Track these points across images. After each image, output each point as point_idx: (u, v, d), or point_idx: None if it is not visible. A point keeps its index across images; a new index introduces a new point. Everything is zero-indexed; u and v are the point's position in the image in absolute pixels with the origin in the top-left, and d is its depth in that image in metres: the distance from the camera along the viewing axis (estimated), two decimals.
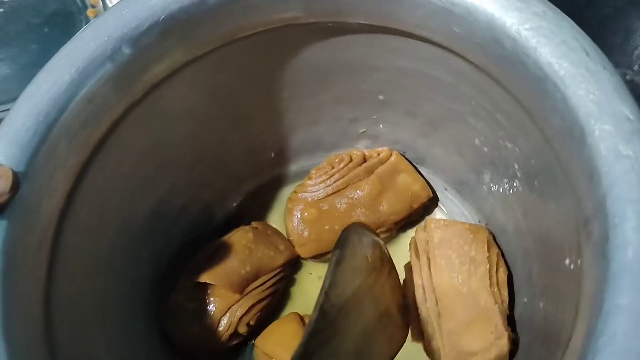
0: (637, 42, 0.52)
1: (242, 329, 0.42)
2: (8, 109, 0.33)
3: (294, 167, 0.50)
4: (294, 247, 0.45)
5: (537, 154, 0.33)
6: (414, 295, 0.41)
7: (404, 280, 0.43)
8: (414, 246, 0.44)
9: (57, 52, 0.33)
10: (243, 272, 0.42)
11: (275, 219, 0.49)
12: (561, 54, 0.28)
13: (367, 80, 0.41)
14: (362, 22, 0.36)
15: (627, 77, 0.50)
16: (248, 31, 0.36)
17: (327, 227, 0.45)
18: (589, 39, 0.29)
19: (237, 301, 0.42)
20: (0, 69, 0.55)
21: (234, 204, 0.49)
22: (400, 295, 0.39)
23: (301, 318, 0.43)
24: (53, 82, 0.32)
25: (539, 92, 0.29)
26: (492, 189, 0.41)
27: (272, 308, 0.45)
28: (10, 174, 0.29)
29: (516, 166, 0.37)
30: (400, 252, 0.46)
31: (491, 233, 0.43)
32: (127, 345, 0.39)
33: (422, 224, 0.45)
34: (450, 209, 0.48)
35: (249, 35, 0.37)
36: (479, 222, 0.45)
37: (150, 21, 0.33)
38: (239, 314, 0.41)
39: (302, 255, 0.46)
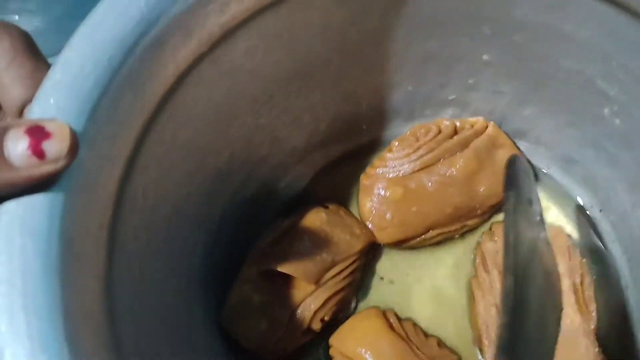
0: None
1: (316, 325, 0.36)
2: None
3: (365, 139, 0.43)
4: (370, 231, 0.39)
5: None
6: (485, 316, 0.36)
7: (470, 297, 0.38)
8: (480, 257, 0.38)
9: None
10: (319, 258, 0.36)
11: (346, 201, 0.42)
12: None
13: (472, 35, 0.35)
14: None
15: None
16: None
17: (414, 209, 0.38)
18: None
19: (312, 292, 0.35)
20: (31, 22, 0.47)
21: (297, 182, 0.42)
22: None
23: (384, 314, 0.37)
24: (118, 16, 0.25)
25: None
26: (618, 168, 0.35)
27: (348, 302, 0.38)
28: (67, 132, 0.22)
29: None
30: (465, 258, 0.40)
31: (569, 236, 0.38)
32: (189, 344, 0.33)
33: (488, 227, 0.40)
34: (552, 193, 0.41)
35: None
36: (591, 207, 0.39)
37: None
38: (313, 307, 0.35)
39: (382, 240, 0.39)
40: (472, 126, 0.39)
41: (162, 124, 0.28)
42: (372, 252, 0.40)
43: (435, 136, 0.39)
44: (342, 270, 0.36)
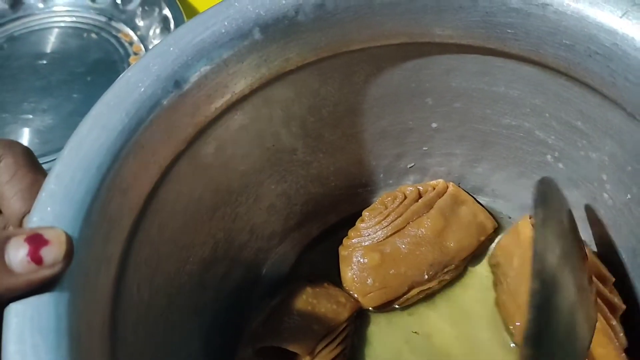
0: None
1: None
2: (53, 159, 0.29)
3: (334, 217, 0.46)
4: (355, 298, 0.41)
5: (636, 157, 0.31)
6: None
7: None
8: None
9: (103, 96, 0.29)
10: (310, 329, 0.37)
11: (327, 275, 0.43)
12: None
13: (418, 108, 0.39)
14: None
15: None
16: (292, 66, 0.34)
17: (392, 272, 0.40)
18: None
19: None
20: (43, 120, 0.54)
21: (281, 263, 0.44)
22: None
23: None
24: (102, 128, 0.28)
25: None
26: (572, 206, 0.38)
27: None
28: (63, 238, 0.24)
29: (604, 177, 0.34)
30: (470, 287, 0.42)
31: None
32: None
33: (490, 253, 0.43)
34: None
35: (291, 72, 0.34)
36: None
37: (199, 56, 0.30)
38: None
39: (367, 305, 0.41)
40: (434, 188, 0.43)
41: (149, 222, 0.31)
42: (359, 319, 0.42)
43: (401, 202, 0.42)
44: (333, 339, 0.38)
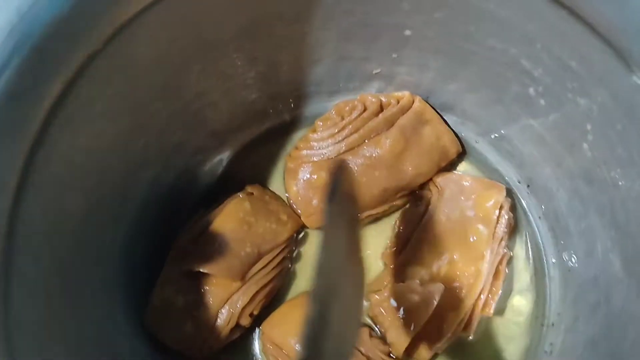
0: None
1: (245, 321, 0.35)
2: None
3: (287, 116, 0.40)
4: (298, 215, 0.38)
5: (630, 121, 0.26)
6: None
7: None
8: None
9: None
10: (243, 253, 0.34)
11: (270, 181, 0.40)
12: None
13: (391, 11, 0.32)
14: None
15: None
16: None
17: None
18: None
19: (238, 289, 0.34)
20: None
21: (218, 166, 0.40)
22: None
23: None
24: None
25: None
26: (545, 147, 0.34)
27: (277, 292, 0.37)
28: None
29: (588, 127, 0.30)
30: None
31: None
32: (112, 349, 0.32)
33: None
34: (482, 165, 0.40)
35: None
36: (518, 182, 0.38)
37: None
38: (240, 304, 0.34)
39: (310, 226, 0.38)
40: (398, 102, 0.37)
41: (56, 133, 0.26)
42: (300, 235, 0.39)
43: (360, 114, 0.37)
44: (269, 262, 0.35)
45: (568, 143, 0.32)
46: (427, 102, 0.38)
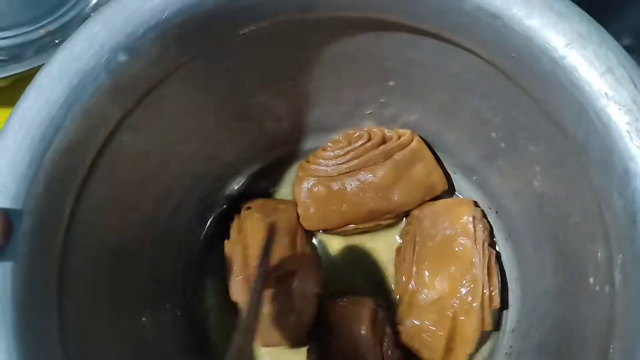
0: None
1: (316, 289, 0.43)
2: None
3: (292, 148, 0.47)
4: (289, 201, 0.46)
5: (566, 171, 0.32)
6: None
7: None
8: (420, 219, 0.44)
9: (47, 64, 0.29)
10: (284, 245, 0.42)
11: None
12: (606, 84, 0.26)
13: (377, 67, 0.39)
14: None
15: None
16: (245, 29, 0.33)
17: (333, 208, 0.43)
18: (636, 65, 0.27)
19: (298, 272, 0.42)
20: None
21: (234, 190, 0.47)
22: None
23: None
24: (46, 100, 0.29)
25: (577, 117, 0.28)
26: (507, 181, 0.40)
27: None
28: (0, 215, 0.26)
29: (537, 168, 0.35)
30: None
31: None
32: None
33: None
34: (460, 192, 0.47)
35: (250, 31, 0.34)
36: (489, 208, 0.44)
37: (146, 25, 0.30)
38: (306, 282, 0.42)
39: (306, 227, 0.45)
40: (399, 137, 0.43)
41: (98, 176, 0.32)
42: None
43: (364, 143, 0.43)
44: (302, 241, 0.44)
45: (523, 180, 0.38)
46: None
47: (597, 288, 0.30)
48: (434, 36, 0.32)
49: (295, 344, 0.43)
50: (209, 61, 0.35)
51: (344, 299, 0.44)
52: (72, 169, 0.31)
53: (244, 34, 0.34)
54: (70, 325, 0.31)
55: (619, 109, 0.26)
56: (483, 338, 0.42)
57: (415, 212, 0.44)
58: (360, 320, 0.41)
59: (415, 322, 0.41)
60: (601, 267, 0.29)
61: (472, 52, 0.32)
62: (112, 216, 0.36)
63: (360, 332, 0.41)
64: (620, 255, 0.27)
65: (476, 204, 0.44)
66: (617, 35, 0.29)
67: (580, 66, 0.27)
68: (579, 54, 0.27)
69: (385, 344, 0.41)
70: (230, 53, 0.35)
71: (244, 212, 0.44)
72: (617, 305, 0.27)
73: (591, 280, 0.31)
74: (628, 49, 0.51)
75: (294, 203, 0.45)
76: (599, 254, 0.29)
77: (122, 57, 0.30)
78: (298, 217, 0.44)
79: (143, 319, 0.39)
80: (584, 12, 0.28)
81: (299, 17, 0.33)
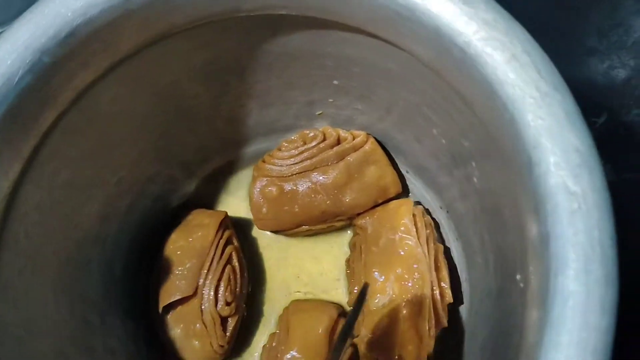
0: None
1: (225, 312, 0.41)
2: None
3: (247, 149, 0.48)
4: (220, 212, 0.45)
5: (493, 164, 0.32)
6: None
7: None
8: (371, 222, 0.44)
9: None
10: (185, 270, 0.41)
11: (231, 202, 0.48)
12: (511, 70, 0.26)
13: (320, 66, 0.39)
14: (308, 15, 0.33)
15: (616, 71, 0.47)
16: (178, 29, 0.33)
17: (285, 208, 0.43)
18: (542, 53, 0.26)
19: (202, 295, 0.41)
20: None
21: (187, 192, 0.48)
22: None
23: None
24: None
25: (489, 106, 0.27)
26: (452, 179, 0.39)
27: (241, 272, 0.44)
28: None
29: (473, 164, 0.35)
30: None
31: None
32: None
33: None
34: (412, 192, 0.46)
35: (182, 31, 0.34)
36: (440, 207, 0.44)
37: (68, 27, 0.31)
38: (209, 305, 0.41)
39: (259, 227, 0.45)
40: (354, 139, 0.43)
41: (35, 176, 0.33)
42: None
43: (318, 143, 0.43)
44: (212, 259, 0.42)
45: (465, 177, 0.37)
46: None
47: (521, 285, 0.29)
48: (366, 33, 0.32)
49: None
50: (146, 61, 0.35)
51: (310, 301, 0.44)
52: (1, 171, 0.31)
53: (177, 33, 0.34)
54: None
55: (523, 96, 0.26)
56: (446, 335, 0.42)
57: (359, 222, 0.44)
58: (320, 325, 0.41)
59: (371, 330, 0.41)
60: (523, 261, 0.29)
61: (400, 48, 0.32)
62: (56, 217, 0.36)
63: (317, 338, 0.40)
64: (532, 244, 0.26)
65: (418, 203, 0.44)
66: (582, 35, 0.28)
67: (486, 54, 0.27)
68: (485, 41, 0.27)
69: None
70: (166, 52, 0.35)
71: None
72: (527, 298, 0.27)
73: (518, 276, 0.30)
74: (592, 50, 0.51)
75: (220, 214, 0.44)
76: (521, 247, 0.29)
77: (46, 59, 0.31)
78: (219, 229, 0.43)
79: (91, 321, 0.40)
80: (490, 0, 0.27)
81: (228, 15, 0.33)
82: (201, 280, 0.41)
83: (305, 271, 0.45)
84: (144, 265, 0.45)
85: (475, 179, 0.36)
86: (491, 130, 0.28)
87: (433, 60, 0.30)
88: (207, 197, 0.48)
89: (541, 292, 0.25)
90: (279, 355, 0.40)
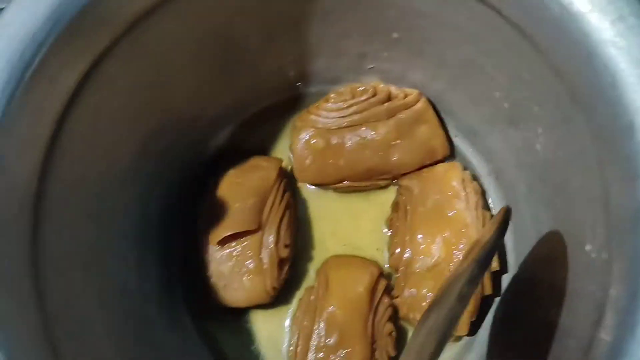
0: None
1: (284, 253, 0.41)
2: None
3: (288, 98, 0.46)
4: (277, 159, 0.44)
5: (569, 130, 0.30)
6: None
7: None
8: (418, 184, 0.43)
9: None
10: (248, 205, 0.40)
11: (269, 150, 0.46)
12: (616, 32, 0.25)
13: (380, 17, 0.37)
14: None
15: None
16: None
17: (330, 162, 0.42)
18: None
19: (264, 232, 0.40)
20: None
21: (225, 138, 0.46)
22: None
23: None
24: (28, 15, 0.28)
25: (586, 68, 0.26)
26: (508, 145, 0.38)
27: (296, 218, 0.43)
28: None
29: (539, 130, 0.34)
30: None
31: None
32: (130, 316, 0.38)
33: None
34: (459, 156, 0.44)
35: None
36: (489, 174, 0.43)
37: None
38: (272, 241, 0.40)
39: (299, 180, 0.44)
40: (405, 97, 0.42)
41: (83, 104, 0.31)
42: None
43: (368, 98, 0.42)
44: (274, 199, 0.41)
45: (526, 143, 0.36)
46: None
47: (593, 255, 0.29)
48: None
49: (262, 302, 0.42)
50: None
51: (350, 257, 0.43)
52: (54, 91, 0.30)
53: None
54: (45, 265, 0.30)
55: (629, 59, 0.24)
56: (486, 303, 0.41)
57: (405, 182, 0.43)
58: (361, 283, 0.40)
59: (413, 291, 0.40)
60: (598, 232, 0.28)
61: (480, 1, 0.30)
62: (96, 151, 0.34)
63: (357, 295, 0.40)
64: (619, 214, 0.25)
65: (465, 168, 0.43)
66: None
67: (590, 12, 0.25)
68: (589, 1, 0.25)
69: (379, 314, 0.40)
70: None
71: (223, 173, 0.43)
72: (614, 272, 0.26)
73: (588, 247, 0.29)
74: None
75: (278, 161, 0.44)
76: (597, 219, 0.28)
77: None
78: (279, 174, 0.42)
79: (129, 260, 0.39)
80: None
81: None
82: (264, 217, 0.40)
83: (342, 227, 0.44)
84: (180, 208, 0.43)
85: (538, 146, 0.34)
86: (581, 94, 0.27)
87: (522, 17, 0.29)
88: (244, 145, 0.46)
89: (633, 268, 0.24)
90: (317, 309, 0.40)
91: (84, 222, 0.34)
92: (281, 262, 0.41)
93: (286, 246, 0.41)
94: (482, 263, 0.30)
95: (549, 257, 0.35)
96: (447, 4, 0.33)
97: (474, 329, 0.40)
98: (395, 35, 0.38)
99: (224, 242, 0.40)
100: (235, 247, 0.40)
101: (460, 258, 0.38)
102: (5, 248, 0.27)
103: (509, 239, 0.41)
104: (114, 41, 0.31)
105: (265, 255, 0.40)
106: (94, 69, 0.31)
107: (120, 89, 0.34)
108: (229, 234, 0.40)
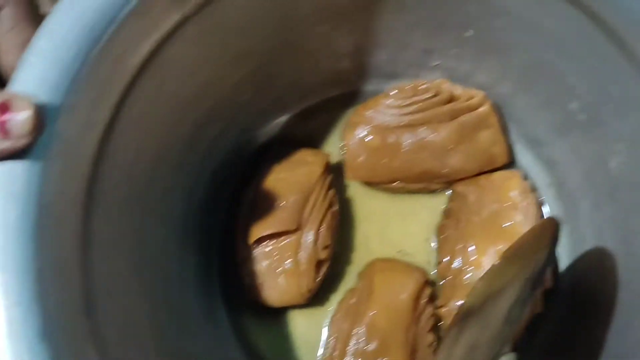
0: None
1: (323, 254, 0.39)
2: None
3: (343, 91, 0.44)
4: (324, 153, 0.42)
5: None
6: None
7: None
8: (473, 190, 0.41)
9: None
10: (290, 203, 0.39)
11: (320, 144, 0.44)
12: None
13: (457, 11, 0.35)
14: None
15: None
16: None
17: (384, 161, 0.40)
18: None
19: (303, 232, 0.39)
20: None
21: (277, 128, 0.44)
22: None
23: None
24: None
25: None
26: (576, 157, 0.37)
27: (339, 217, 0.41)
28: (31, 111, 0.22)
29: (621, 147, 0.32)
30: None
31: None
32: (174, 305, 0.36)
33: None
34: (518, 164, 0.42)
35: None
36: (548, 186, 0.41)
37: None
38: (310, 242, 0.39)
39: (349, 177, 0.42)
40: (469, 99, 0.40)
41: (142, 86, 0.30)
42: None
43: (430, 97, 0.40)
44: (317, 197, 0.40)
45: (598, 158, 0.34)
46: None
47: None
48: None
49: (297, 303, 0.40)
50: None
51: (395, 261, 0.42)
52: (120, 71, 0.28)
53: None
54: (95, 237, 0.29)
55: None
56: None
57: (459, 188, 0.41)
58: (406, 289, 0.39)
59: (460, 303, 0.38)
60: None
61: (573, 2, 0.28)
62: (150, 134, 0.33)
63: (401, 302, 0.38)
64: None
65: (525, 177, 0.41)
66: None
67: None
68: None
69: (422, 324, 0.39)
70: None
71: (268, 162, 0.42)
72: None
73: None
74: None
75: (325, 156, 0.42)
76: None
77: None
78: (325, 170, 0.41)
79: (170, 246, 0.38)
80: None
81: None
82: (305, 216, 0.39)
83: (389, 230, 0.42)
84: (224, 198, 0.42)
85: (613, 163, 0.33)
86: None
87: (621, 21, 0.27)
88: (295, 136, 0.44)
89: None
90: (359, 313, 0.38)
91: (132, 207, 0.33)
92: (319, 264, 0.40)
93: (325, 247, 0.40)
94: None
95: (610, 279, 0.34)
96: (537, 4, 0.31)
97: (519, 345, 0.39)
98: (469, 32, 0.36)
99: (261, 240, 0.39)
100: (273, 246, 0.39)
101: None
102: (60, 235, 0.26)
103: (565, 256, 0.39)
104: (184, 19, 0.30)
105: (302, 256, 0.39)
106: (158, 49, 0.30)
107: (179, 72, 0.33)
108: (266, 233, 0.39)
